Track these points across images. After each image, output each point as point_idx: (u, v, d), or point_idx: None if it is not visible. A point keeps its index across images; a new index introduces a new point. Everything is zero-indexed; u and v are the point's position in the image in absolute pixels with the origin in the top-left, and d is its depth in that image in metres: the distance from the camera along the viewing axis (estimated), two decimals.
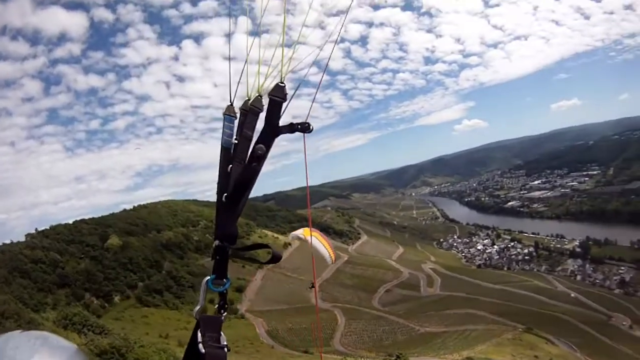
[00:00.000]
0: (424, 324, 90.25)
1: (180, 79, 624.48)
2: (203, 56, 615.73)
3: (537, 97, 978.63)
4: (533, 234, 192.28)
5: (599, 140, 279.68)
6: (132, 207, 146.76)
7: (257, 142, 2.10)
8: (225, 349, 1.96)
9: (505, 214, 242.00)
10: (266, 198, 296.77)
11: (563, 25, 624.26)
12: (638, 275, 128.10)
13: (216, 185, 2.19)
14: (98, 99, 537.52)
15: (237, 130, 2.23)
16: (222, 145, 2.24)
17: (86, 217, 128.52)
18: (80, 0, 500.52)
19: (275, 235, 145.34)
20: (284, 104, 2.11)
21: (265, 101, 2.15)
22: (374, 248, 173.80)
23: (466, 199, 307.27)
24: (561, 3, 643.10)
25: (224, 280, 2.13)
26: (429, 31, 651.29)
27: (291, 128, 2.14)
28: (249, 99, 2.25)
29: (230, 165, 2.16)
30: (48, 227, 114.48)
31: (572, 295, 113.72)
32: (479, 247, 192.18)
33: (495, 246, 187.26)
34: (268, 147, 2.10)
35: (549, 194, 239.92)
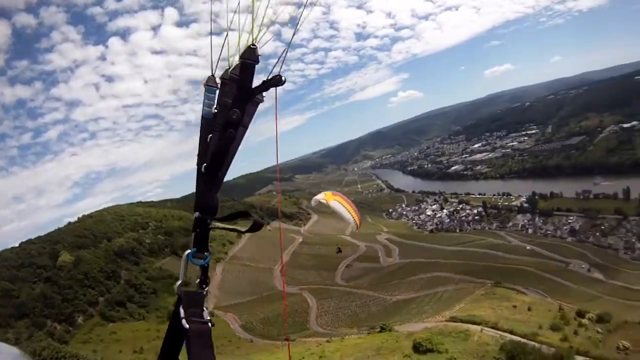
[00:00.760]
0: (393, 292, 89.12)
1: (110, 79, 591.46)
2: (131, 52, 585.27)
3: (470, 65, 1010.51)
4: (480, 194, 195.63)
5: (534, 101, 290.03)
6: (77, 219, 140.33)
7: (230, 107, 2.08)
8: (209, 324, 2.02)
9: (449, 178, 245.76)
10: None
11: None
12: (587, 223, 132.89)
13: (196, 157, 2.22)
14: (27, 110, 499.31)
15: (217, 100, 2.24)
16: (202, 116, 2.25)
17: (32, 237, 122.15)
18: (1, 7, 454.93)
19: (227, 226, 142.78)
20: (256, 66, 2.11)
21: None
22: (326, 226, 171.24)
23: (409, 168, 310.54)
24: None
25: (205, 254, 2.15)
26: (359, 7, 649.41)
27: (264, 85, 2.13)
28: (229, 68, 2.26)
29: (210, 135, 2.17)
30: None
31: (528, 247, 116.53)
32: (429, 212, 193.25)
33: (445, 210, 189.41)
34: (242, 110, 2.09)
35: (490, 155, 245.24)
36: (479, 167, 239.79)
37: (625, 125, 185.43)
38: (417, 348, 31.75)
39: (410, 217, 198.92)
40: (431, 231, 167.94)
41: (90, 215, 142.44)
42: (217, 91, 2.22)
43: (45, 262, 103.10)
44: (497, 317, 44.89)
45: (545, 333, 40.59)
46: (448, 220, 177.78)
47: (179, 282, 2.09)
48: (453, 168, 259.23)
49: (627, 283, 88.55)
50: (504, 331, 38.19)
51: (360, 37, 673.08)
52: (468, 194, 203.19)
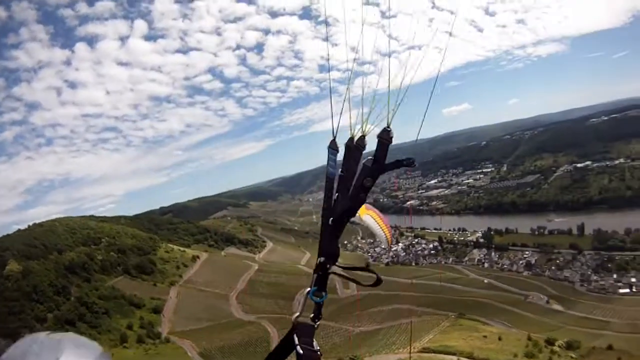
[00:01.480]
0: (355, 324, 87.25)
1: (72, 85, 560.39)
2: (96, 61, 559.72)
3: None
4: (435, 229, 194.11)
5: (491, 141, 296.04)
6: (27, 227, 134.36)
7: (366, 176, 2.44)
8: (319, 352, 2.22)
9: (405, 213, 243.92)
10: (163, 211, 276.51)
11: (457, 37, 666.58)
12: (542, 257, 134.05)
13: (321, 211, 2.50)
14: None
15: (343, 164, 2.55)
16: (327, 176, 2.57)
17: None
18: None
19: (181, 248, 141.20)
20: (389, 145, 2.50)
21: (368, 140, 2.56)
22: (281, 255, 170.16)
23: (365, 202, 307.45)
24: (456, 17, 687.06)
25: (323, 293, 2.38)
26: (325, 40, 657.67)
27: (396, 164, 2.52)
28: (352, 137, 2.60)
29: (337, 194, 2.49)
30: None
31: (486, 281, 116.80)
32: (384, 246, 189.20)
33: (400, 244, 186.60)
34: (374, 180, 2.44)
35: (446, 191, 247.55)
36: (434, 203, 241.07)
37: (579, 165, 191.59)
38: None
39: (365, 249, 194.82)
40: (387, 264, 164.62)
41: (40, 224, 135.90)
42: (337, 154, 2.56)
43: None
44: (471, 347, 42.79)
45: None
46: (404, 253, 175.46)
47: (296, 315, 2.29)
48: (408, 203, 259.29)
49: (585, 313, 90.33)
50: None
51: (323, 68, 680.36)
52: (423, 228, 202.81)
